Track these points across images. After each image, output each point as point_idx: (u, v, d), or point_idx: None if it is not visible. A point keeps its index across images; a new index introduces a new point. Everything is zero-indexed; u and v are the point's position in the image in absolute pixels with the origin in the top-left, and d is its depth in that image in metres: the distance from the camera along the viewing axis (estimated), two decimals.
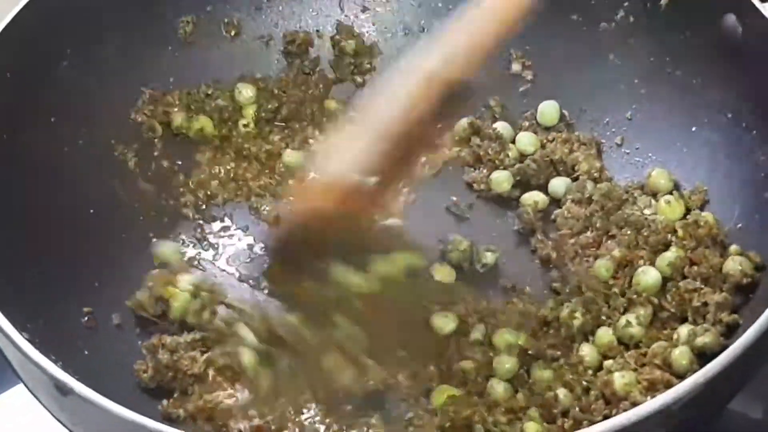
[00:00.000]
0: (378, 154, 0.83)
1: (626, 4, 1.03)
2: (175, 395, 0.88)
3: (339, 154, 0.86)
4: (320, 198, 0.86)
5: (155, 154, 1.06)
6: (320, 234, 0.86)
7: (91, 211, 0.98)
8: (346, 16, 1.15)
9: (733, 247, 0.89)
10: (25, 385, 0.82)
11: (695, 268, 0.90)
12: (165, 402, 0.87)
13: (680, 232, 0.93)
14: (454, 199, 1.04)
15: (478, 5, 0.84)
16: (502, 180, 1.04)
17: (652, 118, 1.03)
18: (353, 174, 0.83)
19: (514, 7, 0.84)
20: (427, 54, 0.85)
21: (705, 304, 0.86)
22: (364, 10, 1.15)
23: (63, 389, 0.73)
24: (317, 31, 1.14)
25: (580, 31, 1.06)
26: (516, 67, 1.10)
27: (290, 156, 1.07)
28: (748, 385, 0.79)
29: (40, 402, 0.81)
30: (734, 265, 0.87)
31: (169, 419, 0.86)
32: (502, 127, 1.07)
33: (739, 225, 0.91)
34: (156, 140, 1.06)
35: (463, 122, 1.06)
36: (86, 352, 0.87)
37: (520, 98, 1.10)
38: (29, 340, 0.75)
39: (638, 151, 1.03)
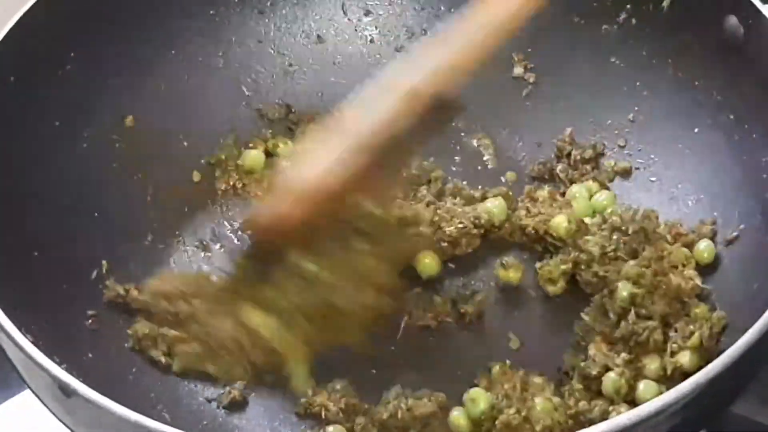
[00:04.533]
0: (353, 165, 0.82)
1: (628, 6, 1.04)
2: None
3: (312, 161, 0.84)
4: (292, 202, 0.83)
5: None
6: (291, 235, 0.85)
7: (96, 214, 0.98)
8: (349, 20, 1.15)
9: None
10: (30, 387, 0.82)
11: None
12: None
13: None
14: None
15: (464, 19, 0.84)
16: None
17: (654, 119, 1.03)
18: (325, 180, 0.82)
19: (502, 20, 0.83)
20: (408, 69, 0.84)
21: None
22: (367, 13, 1.15)
23: (67, 390, 0.73)
24: (318, 36, 1.14)
25: (582, 33, 1.06)
26: (518, 70, 1.10)
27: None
28: (756, 389, 0.79)
29: (44, 404, 0.81)
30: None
31: None
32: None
33: (741, 226, 0.92)
34: None
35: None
36: (90, 355, 0.87)
37: (523, 102, 1.10)
38: (33, 343, 0.75)
39: (640, 152, 1.03)
